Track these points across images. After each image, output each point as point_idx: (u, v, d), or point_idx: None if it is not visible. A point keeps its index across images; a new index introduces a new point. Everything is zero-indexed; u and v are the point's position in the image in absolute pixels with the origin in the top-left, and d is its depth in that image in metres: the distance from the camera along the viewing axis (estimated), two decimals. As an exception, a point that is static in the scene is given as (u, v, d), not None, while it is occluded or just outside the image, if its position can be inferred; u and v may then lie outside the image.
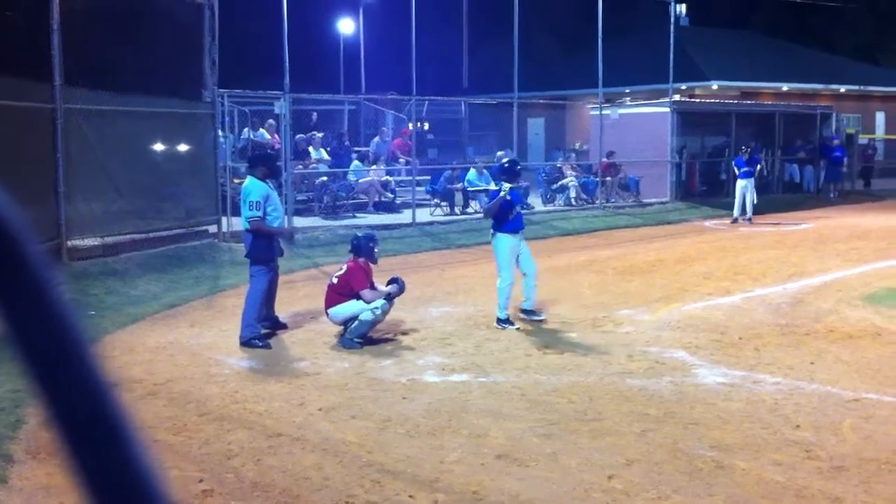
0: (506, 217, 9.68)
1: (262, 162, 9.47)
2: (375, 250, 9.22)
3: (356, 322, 8.68)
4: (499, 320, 9.49)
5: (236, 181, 17.88)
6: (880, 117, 37.80)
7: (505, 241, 9.65)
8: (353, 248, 9.21)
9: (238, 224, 15.57)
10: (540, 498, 5.02)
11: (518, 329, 9.45)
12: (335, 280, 8.99)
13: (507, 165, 10.34)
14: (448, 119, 27.67)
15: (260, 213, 8.85)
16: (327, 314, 8.96)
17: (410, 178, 20.44)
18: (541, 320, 9.79)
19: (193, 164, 15.23)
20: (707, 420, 6.37)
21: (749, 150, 21.90)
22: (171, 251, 13.68)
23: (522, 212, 10.44)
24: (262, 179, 9.11)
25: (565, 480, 5.27)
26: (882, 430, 6.10)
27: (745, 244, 16.83)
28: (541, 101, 28.25)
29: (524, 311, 9.84)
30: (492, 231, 9.85)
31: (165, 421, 6.43)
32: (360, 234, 9.50)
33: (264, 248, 9.05)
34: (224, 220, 15.60)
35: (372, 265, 9.22)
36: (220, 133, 16.55)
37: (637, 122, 24.97)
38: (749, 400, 6.85)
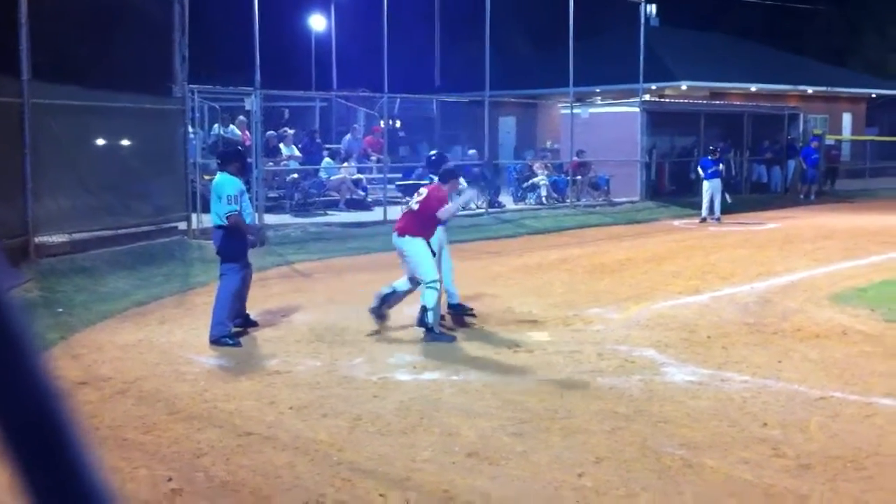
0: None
1: (235, 158, 9.40)
2: (458, 187, 9.58)
3: (427, 312, 8.56)
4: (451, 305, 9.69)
5: (206, 178, 17.78)
6: (847, 118, 38.26)
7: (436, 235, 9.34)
8: (442, 174, 9.22)
9: (208, 221, 15.53)
10: (511, 496, 5.05)
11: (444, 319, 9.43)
12: (416, 206, 8.86)
13: (433, 159, 10.40)
14: (420, 117, 27.66)
15: (237, 208, 8.76)
16: (401, 238, 8.80)
17: (382, 175, 20.44)
18: (472, 313, 9.81)
19: (163, 160, 15.12)
20: (676, 418, 6.42)
21: (717, 150, 22.10)
22: (141, 248, 13.59)
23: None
24: (235, 175, 9.05)
25: (536, 478, 5.29)
26: (848, 428, 6.18)
27: (713, 243, 16.98)
28: (512, 99, 28.32)
29: (451, 307, 9.79)
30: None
31: (134, 420, 6.38)
32: (451, 164, 10.03)
33: (237, 245, 8.98)
34: (194, 216, 15.53)
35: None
36: (189, 129, 16.44)
37: (607, 121, 25.12)
38: (717, 398, 6.92)
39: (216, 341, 8.56)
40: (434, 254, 8.92)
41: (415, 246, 8.77)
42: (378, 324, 9.11)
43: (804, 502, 4.95)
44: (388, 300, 9.16)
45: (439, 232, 9.24)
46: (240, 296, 9.04)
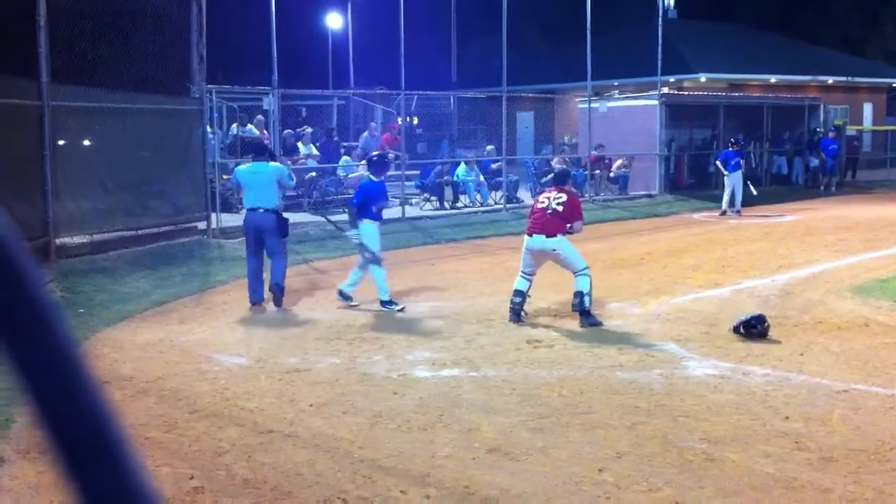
0: (369, 207, 10.26)
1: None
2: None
3: (584, 297, 9.22)
4: (384, 303, 10.12)
5: (225, 178, 17.88)
6: (868, 109, 37.93)
7: (372, 227, 10.24)
8: (558, 177, 10.38)
9: (227, 220, 15.59)
10: (531, 491, 5.04)
11: (402, 309, 10.06)
12: (560, 208, 9.45)
13: (374, 159, 11.02)
14: (437, 113, 27.65)
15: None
16: (552, 238, 9.37)
17: (400, 172, 20.44)
18: (354, 305, 10.26)
19: (182, 160, 15.18)
20: (697, 412, 6.39)
21: (739, 142, 21.96)
22: (160, 248, 13.65)
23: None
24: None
25: (556, 474, 5.28)
26: (870, 420, 6.13)
27: (733, 236, 16.88)
28: (530, 94, 28.24)
29: (383, 303, 10.19)
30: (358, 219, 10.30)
31: (156, 418, 6.42)
32: (563, 166, 11.03)
33: None
34: (213, 216, 15.58)
35: None
36: (208, 129, 16.51)
37: (625, 115, 25.01)
38: (739, 392, 6.88)
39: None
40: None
41: (566, 244, 9.48)
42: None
43: (827, 495, 4.92)
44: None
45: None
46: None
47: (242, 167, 11.01)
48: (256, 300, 10.37)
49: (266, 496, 5.02)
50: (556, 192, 9.68)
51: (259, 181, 10.34)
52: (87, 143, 12.79)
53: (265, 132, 19.68)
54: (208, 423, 6.32)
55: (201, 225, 15.24)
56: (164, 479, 5.28)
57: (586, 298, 9.24)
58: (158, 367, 7.86)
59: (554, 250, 9.42)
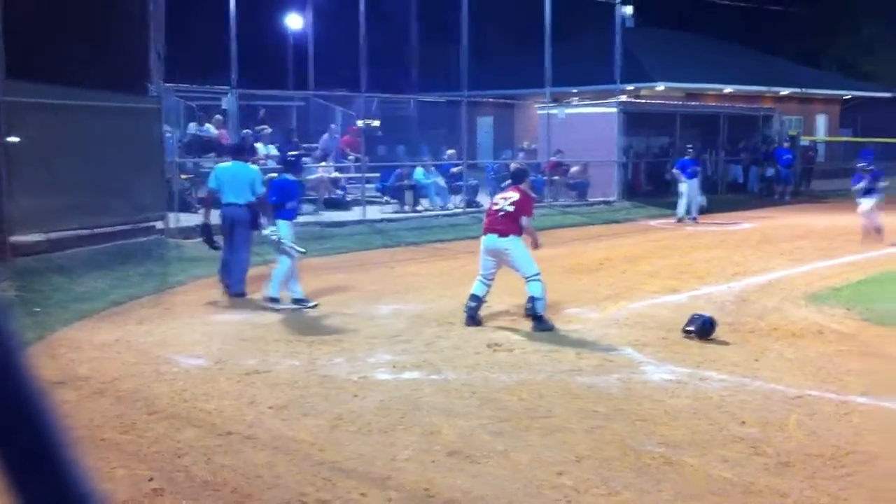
0: (284, 206, 10.49)
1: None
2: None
3: (536, 302, 9.27)
4: (270, 299, 10.33)
5: (183, 177, 17.72)
6: (821, 120, 38.60)
7: (287, 226, 10.47)
8: (515, 176, 10.18)
9: (186, 220, 15.47)
10: (491, 495, 5.06)
11: (286, 308, 10.21)
12: (511, 208, 9.48)
13: (291, 159, 11.33)
14: (398, 116, 27.65)
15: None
16: (504, 238, 9.44)
17: (360, 175, 20.42)
18: (279, 309, 10.28)
19: (140, 159, 15.02)
20: (655, 416, 6.46)
21: (695, 150, 22.24)
22: (118, 247, 13.50)
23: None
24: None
25: (516, 477, 5.31)
26: (825, 426, 6.24)
27: (690, 243, 17.08)
28: (490, 100, 28.36)
29: (297, 301, 10.43)
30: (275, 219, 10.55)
31: (113, 420, 6.35)
32: (520, 165, 11.12)
33: None
34: (172, 215, 15.44)
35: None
36: (166, 128, 16.35)
37: (584, 121, 25.19)
38: (695, 396, 6.96)
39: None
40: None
41: (518, 245, 9.51)
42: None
43: (783, 500, 4.99)
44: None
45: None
46: None
47: (223, 165, 11.45)
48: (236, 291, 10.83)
49: (226, 498, 4.99)
50: (510, 192, 9.78)
51: (238, 181, 10.84)
52: (43, 140, 12.59)
53: (224, 131, 19.54)
54: (167, 424, 6.25)
55: (159, 224, 15.09)
56: (121, 481, 5.22)
57: (538, 303, 9.31)
58: (116, 367, 7.77)
59: (506, 250, 9.48)
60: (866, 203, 16.58)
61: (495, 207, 9.70)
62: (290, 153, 11.27)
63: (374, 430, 6.14)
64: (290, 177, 10.78)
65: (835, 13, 49.11)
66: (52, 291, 10.73)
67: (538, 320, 9.30)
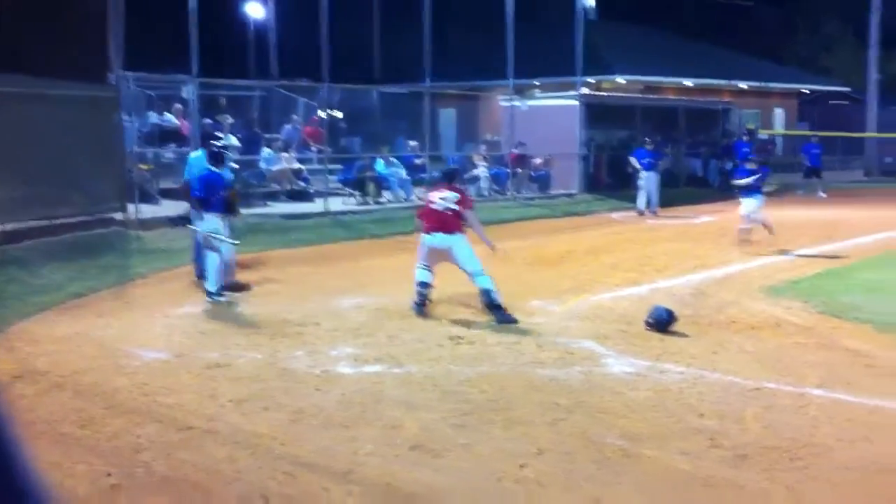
0: (211, 199, 10.43)
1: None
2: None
3: (491, 293, 9.41)
4: (210, 293, 10.23)
5: (143, 167, 17.52)
6: (779, 113, 39.04)
7: (215, 219, 10.40)
8: (446, 175, 10.55)
9: (146, 211, 15.33)
10: (453, 487, 5.08)
11: (229, 301, 10.22)
12: (456, 207, 9.74)
13: (214, 151, 11.01)
14: (361, 107, 27.53)
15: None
16: (451, 236, 9.66)
17: (323, 166, 20.33)
18: (227, 302, 10.26)
19: (99, 149, 14.82)
20: (615, 409, 6.52)
21: (653, 141, 22.43)
22: (77, 239, 13.33)
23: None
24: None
25: (478, 470, 5.34)
26: (782, 418, 6.34)
27: (650, 236, 17.23)
28: (452, 91, 28.35)
29: (210, 294, 10.33)
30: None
31: (71, 414, 6.28)
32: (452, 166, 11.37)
33: None
34: (131, 206, 15.27)
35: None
36: (125, 117, 16.15)
37: (546, 114, 25.31)
38: (655, 389, 7.04)
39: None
40: None
41: (463, 243, 9.69)
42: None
43: (741, 492, 5.07)
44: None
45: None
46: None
47: (195, 154, 11.75)
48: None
49: (186, 493, 4.97)
50: (447, 191, 9.93)
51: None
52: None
53: (184, 121, 19.35)
54: (126, 419, 6.20)
55: (119, 216, 14.92)
56: (80, 476, 5.17)
57: (494, 294, 9.42)
58: (75, 361, 7.68)
59: (452, 247, 9.65)
60: (749, 204, 15.34)
61: (434, 206, 9.83)
62: (214, 145, 11.08)
63: (336, 424, 6.14)
64: (214, 169, 10.59)
65: (793, 8, 49.74)
66: (9, 284, 10.58)
67: (499, 310, 9.37)
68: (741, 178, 15.87)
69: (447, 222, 9.69)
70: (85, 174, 14.28)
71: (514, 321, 9.28)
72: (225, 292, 10.32)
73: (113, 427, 6.02)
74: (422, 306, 9.63)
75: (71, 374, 7.26)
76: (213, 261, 10.27)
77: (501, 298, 9.47)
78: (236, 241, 10.59)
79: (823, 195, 27.28)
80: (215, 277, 10.23)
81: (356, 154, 21.66)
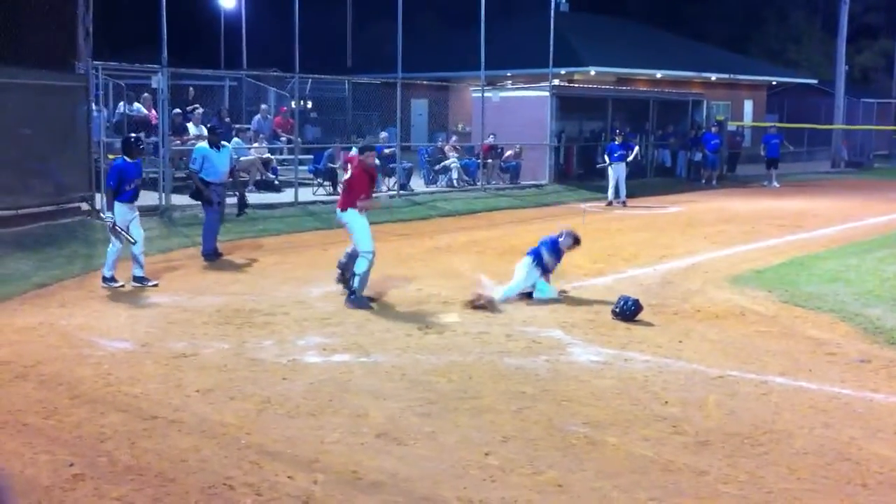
0: (123, 188, 10.40)
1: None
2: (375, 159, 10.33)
3: (355, 278, 9.59)
4: (105, 279, 10.40)
5: (111, 157, 17.37)
6: (748, 105, 39.34)
7: (124, 208, 10.42)
8: (360, 149, 10.28)
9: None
10: (418, 476, 5.11)
11: (122, 286, 10.36)
12: (345, 184, 10.01)
13: (130, 139, 10.93)
14: (332, 98, 27.45)
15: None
16: (343, 213, 9.82)
17: (293, 156, 20.24)
18: (154, 285, 10.50)
19: (65, 138, 14.68)
20: (580, 397, 6.57)
21: (623, 134, 22.57)
22: (42, 228, 13.20)
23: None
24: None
25: (443, 458, 5.36)
26: (744, 405, 6.42)
27: (618, 226, 17.33)
28: (424, 82, 28.30)
29: (136, 279, 10.54)
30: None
31: (35, 404, 6.24)
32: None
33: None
34: (97, 196, 15.14)
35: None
36: (93, 107, 16.00)
37: (518, 105, 25.36)
38: (620, 377, 7.10)
39: None
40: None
41: (355, 219, 9.74)
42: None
43: (702, 478, 5.13)
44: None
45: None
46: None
47: (203, 145, 12.82)
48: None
49: (149, 483, 4.95)
50: (348, 166, 10.18)
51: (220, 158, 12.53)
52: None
53: (153, 111, 19.20)
54: (90, 408, 6.17)
55: (85, 205, 14.79)
56: (42, 465, 5.15)
57: (356, 279, 9.55)
58: (38, 351, 7.63)
59: (345, 223, 9.85)
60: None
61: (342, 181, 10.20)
62: (130, 135, 11.02)
63: (302, 413, 6.15)
64: (127, 159, 10.50)
65: (762, 2, 50.11)
66: (-28, 274, 10.47)
67: (352, 295, 9.55)
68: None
69: (342, 198, 9.95)
70: (51, 164, 14.14)
71: (367, 307, 9.42)
72: (118, 279, 10.46)
73: (76, 417, 5.99)
74: (341, 276, 10.03)
75: (34, 365, 7.20)
76: (112, 247, 10.40)
77: (362, 288, 9.61)
78: (133, 241, 10.47)
79: (776, 185, 27.59)
80: (113, 263, 10.41)
81: (325, 145, 21.54)
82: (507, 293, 9.83)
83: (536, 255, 10.20)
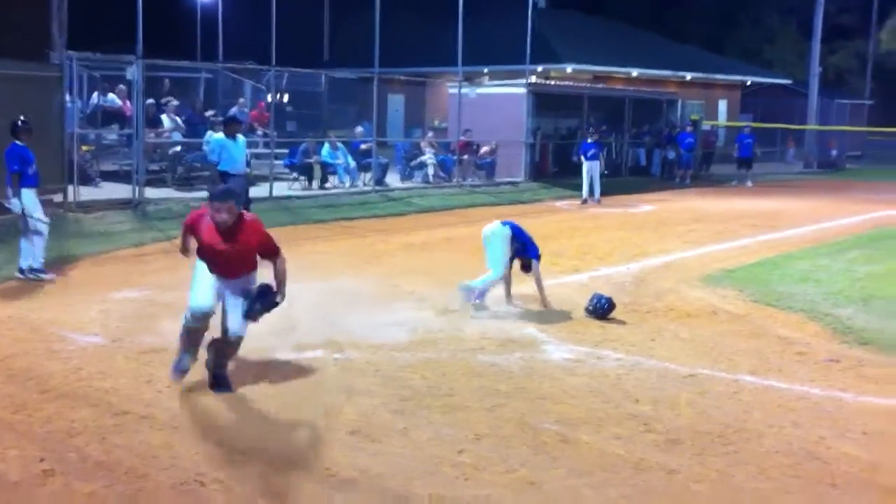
0: (26, 171, 10.28)
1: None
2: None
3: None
4: (32, 269, 10.33)
5: (84, 149, 17.23)
6: (722, 105, 39.56)
7: (31, 194, 10.35)
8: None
9: (86, 194, 15.11)
10: (391, 472, 5.11)
11: (52, 279, 10.36)
12: None
13: (17, 124, 10.66)
14: (308, 92, 27.34)
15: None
16: None
17: (269, 150, 20.16)
18: (49, 279, 10.37)
19: (39, 130, 14.44)
20: (554, 395, 6.60)
21: (597, 132, 22.67)
22: (11, 220, 13.03)
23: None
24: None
25: (416, 455, 5.37)
26: (715, 404, 6.47)
27: (593, 224, 17.40)
28: (401, 77, 28.27)
29: (33, 270, 10.41)
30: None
31: (4, 399, 6.18)
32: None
33: None
34: (71, 189, 15.02)
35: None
36: (67, 98, 15.85)
37: (494, 101, 25.39)
38: (593, 375, 7.13)
39: None
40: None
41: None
42: None
43: (673, 476, 5.17)
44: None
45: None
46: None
47: (218, 136, 13.61)
48: None
49: (120, 479, 4.92)
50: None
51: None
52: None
53: (127, 102, 19.05)
54: (60, 403, 6.12)
55: (58, 198, 14.65)
56: (12, 461, 5.11)
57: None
58: (7, 345, 7.55)
59: None
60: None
61: None
62: (19, 118, 10.76)
63: (275, 410, 6.13)
64: (19, 142, 10.35)
65: (737, 2, 50.46)
66: (-59, 266, 10.36)
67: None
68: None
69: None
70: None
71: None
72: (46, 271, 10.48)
73: (46, 412, 5.93)
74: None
75: (3, 359, 7.13)
76: (39, 240, 10.37)
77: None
78: (47, 220, 10.48)
79: (750, 184, 27.82)
80: (40, 253, 10.38)
81: (302, 139, 21.46)
82: (487, 281, 9.42)
83: (516, 228, 9.66)
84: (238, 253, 6.43)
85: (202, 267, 6.53)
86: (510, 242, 9.53)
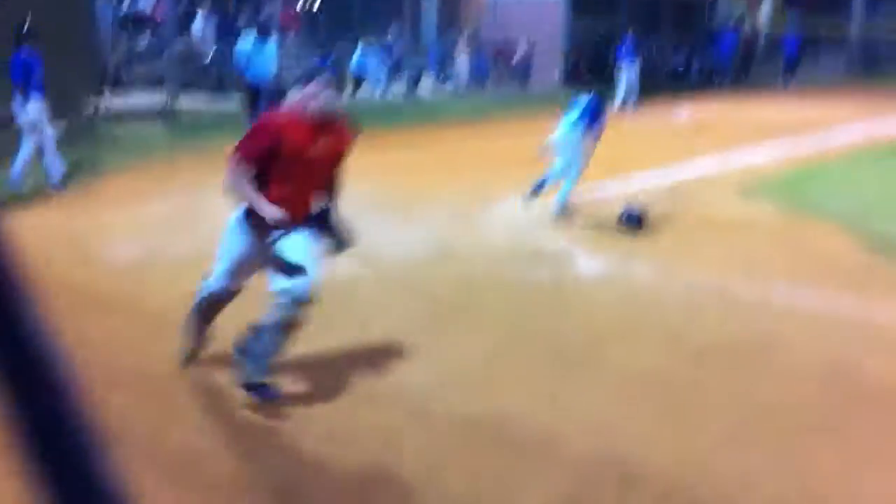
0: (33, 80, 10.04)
1: None
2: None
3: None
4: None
5: (117, 54, 17.17)
6: (766, 2, 38.28)
7: (39, 104, 10.09)
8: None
9: (117, 103, 15.05)
10: (417, 384, 5.16)
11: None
12: None
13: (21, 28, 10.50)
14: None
15: None
16: None
17: (298, 56, 19.94)
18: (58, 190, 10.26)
19: (68, 35, 14.40)
20: (582, 308, 6.61)
21: (634, 37, 22.15)
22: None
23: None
24: None
25: (440, 368, 5.41)
26: (746, 317, 6.44)
27: (629, 131, 17.13)
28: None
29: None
30: None
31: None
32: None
33: None
34: (102, 98, 15.01)
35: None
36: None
37: (530, 4, 24.82)
38: (623, 288, 7.14)
39: None
40: None
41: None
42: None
43: (699, 388, 5.18)
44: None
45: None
46: None
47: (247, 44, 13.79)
48: None
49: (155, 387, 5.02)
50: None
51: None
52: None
53: (158, 6, 18.87)
54: (96, 313, 6.22)
55: (90, 107, 14.65)
56: None
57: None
58: (40, 256, 7.66)
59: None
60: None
61: None
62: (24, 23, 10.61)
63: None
64: (26, 50, 10.19)
65: None
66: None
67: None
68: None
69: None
70: (54, 63, 13.90)
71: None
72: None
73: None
74: None
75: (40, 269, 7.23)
76: (48, 148, 10.26)
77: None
78: (54, 131, 10.43)
79: (790, 87, 27.19)
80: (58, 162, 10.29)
81: (332, 46, 21.20)
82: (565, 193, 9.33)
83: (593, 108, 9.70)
84: (329, 161, 4.97)
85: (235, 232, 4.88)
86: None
